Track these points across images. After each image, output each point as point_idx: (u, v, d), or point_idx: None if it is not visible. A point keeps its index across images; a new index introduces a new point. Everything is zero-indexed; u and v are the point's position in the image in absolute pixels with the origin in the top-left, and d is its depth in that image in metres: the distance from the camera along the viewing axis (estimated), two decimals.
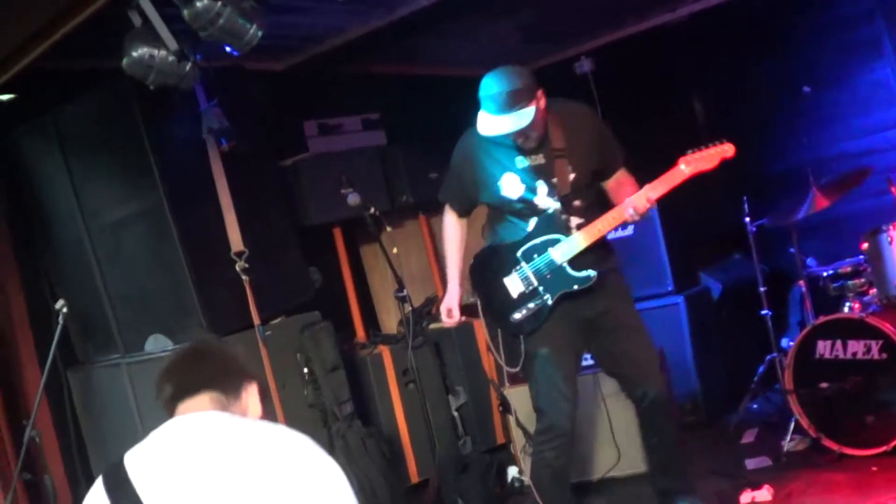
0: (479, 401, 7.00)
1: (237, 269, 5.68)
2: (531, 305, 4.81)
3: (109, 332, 6.07)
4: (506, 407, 6.36)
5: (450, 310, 5.17)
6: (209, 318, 5.66)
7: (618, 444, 6.04)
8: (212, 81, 5.36)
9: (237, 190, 5.78)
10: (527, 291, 4.83)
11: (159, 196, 5.61)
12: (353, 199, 5.76)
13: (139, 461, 2.48)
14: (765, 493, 5.35)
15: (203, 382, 2.63)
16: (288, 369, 5.92)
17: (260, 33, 4.65)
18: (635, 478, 5.99)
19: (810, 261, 6.46)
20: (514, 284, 4.87)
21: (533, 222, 4.84)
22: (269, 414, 5.54)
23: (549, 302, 4.79)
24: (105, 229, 5.96)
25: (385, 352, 6.62)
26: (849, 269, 6.15)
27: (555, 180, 4.78)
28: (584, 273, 4.76)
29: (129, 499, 2.40)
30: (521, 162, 4.79)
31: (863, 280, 6.04)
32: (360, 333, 6.92)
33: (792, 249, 6.30)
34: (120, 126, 5.74)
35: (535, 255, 4.81)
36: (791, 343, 5.97)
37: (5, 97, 6.17)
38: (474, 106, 4.71)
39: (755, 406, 6.77)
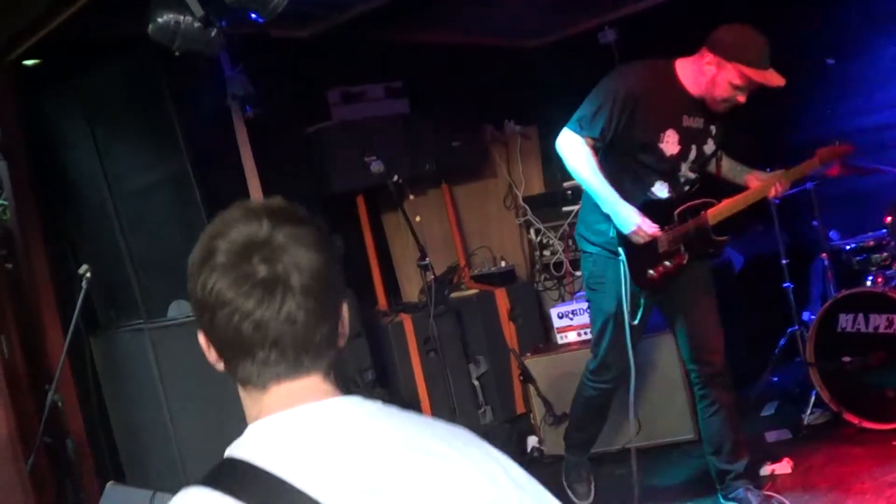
0: (499, 370, 7.01)
1: None
2: (667, 263, 4.77)
3: (132, 297, 6.11)
4: (527, 376, 6.37)
5: (639, 227, 4.65)
6: None
7: (639, 415, 6.04)
8: (237, 48, 5.35)
9: (261, 157, 5.81)
10: (671, 250, 4.78)
11: (184, 162, 5.63)
12: (377, 166, 5.76)
13: (276, 454, 1.67)
14: (784, 465, 5.36)
15: (314, 355, 1.75)
16: None
17: (286, 0, 4.64)
18: (655, 448, 6.02)
19: (833, 234, 6.43)
20: (662, 241, 4.76)
21: (667, 184, 4.81)
22: None
23: (685, 262, 4.78)
24: (129, 195, 6.00)
25: (406, 320, 6.62)
26: (872, 242, 6.11)
27: (704, 147, 4.82)
28: (721, 238, 4.82)
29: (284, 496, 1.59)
30: (687, 120, 4.74)
31: (886, 254, 6.00)
32: (382, 301, 6.91)
33: (815, 222, 6.27)
34: (145, 92, 5.76)
35: (689, 217, 4.79)
36: (813, 316, 5.96)
37: (31, 63, 6.18)
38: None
39: (776, 379, 6.75)
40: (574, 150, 4.67)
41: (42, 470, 5.76)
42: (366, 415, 1.81)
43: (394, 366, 6.55)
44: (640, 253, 4.72)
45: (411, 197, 6.46)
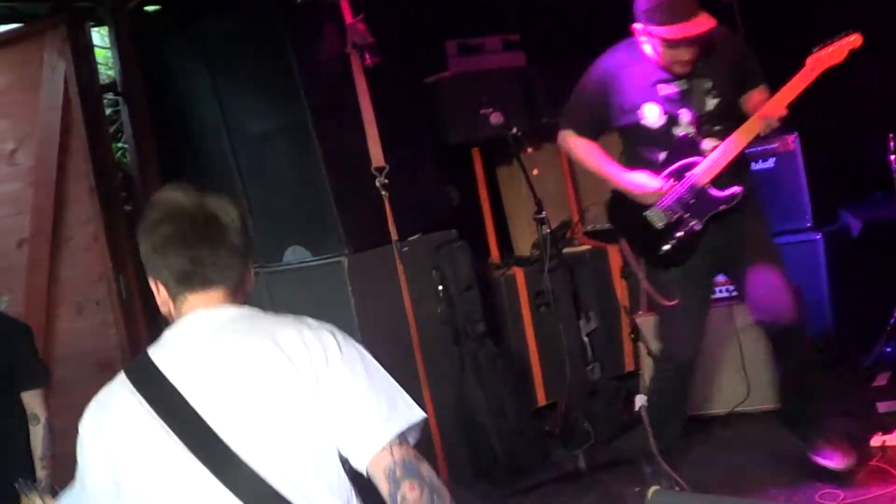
0: (609, 327, 6.97)
1: (377, 184, 5.73)
2: (679, 234, 4.71)
3: None
4: (637, 335, 6.34)
5: (656, 188, 4.70)
6: (348, 233, 5.77)
7: (748, 379, 5.98)
8: None
9: (379, 106, 5.81)
10: (672, 221, 4.72)
11: (303, 110, 5.71)
12: (496, 118, 5.72)
13: (166, 357, 2.36)
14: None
15: (224, 275, 2.41)
16: (423, 286, 5.97)
17: None
18: (765, 414, 5.95)
19: None
20: (657, 216, 4.75)
21: (666, 151, 4.74)
22: (402, 330, 5.71)
23: (698, 227, 4.69)
24: (248, 141, 6.09)
25: (519, 273, 6.62)
26: None
27: (696, 107, 4.68)
28: (728, 191, 4.68)
29: (164, 393, 2.29)
30: (664, 89, 4.68)
31: None
32: (495, 254, 6.92)
33: None
34: (265, 40, 5.83)
35: (674, 181, 4.70)
36: None
37: (152, 9, 6.28)
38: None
39: (889, 349, 6.62)
40: (571, 146, 4.96)
41: None
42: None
43: (504, 319, 6.57)
44: (642, 235, 4.79)
45: (529, 150, 6.43)
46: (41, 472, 4.10)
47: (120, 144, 6.87)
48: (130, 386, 2.33)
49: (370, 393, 2.32)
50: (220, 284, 2.42)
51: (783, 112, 4.52)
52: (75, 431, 6.20)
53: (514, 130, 5.86)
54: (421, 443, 5.74)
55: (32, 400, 4.21)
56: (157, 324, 6.02)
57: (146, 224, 2.44)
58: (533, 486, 5.85)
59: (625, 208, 4.87)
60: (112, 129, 6.76)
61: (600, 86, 4.82)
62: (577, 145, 4.91)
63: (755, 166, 5.55)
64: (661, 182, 4.65)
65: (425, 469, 2.27)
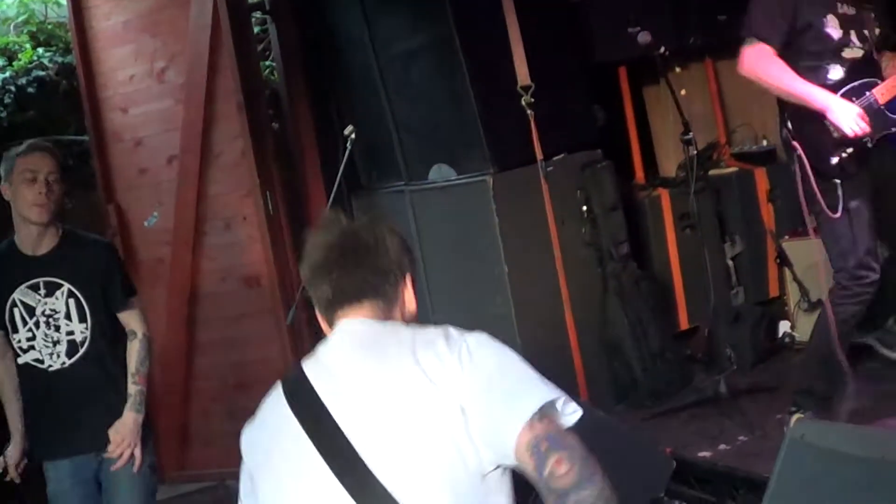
0: (755, 251, 6.90)
1: (522, 103, 5.71)
2: (849, 149, 4.61)
3: (394, 159, 6.27)
4: (783, 260, 6.26)
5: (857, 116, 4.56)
6: (493, 151, 5.78)
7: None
8: None
9: (526, 24, 5.78)
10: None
11: (449, 27, 5.72)
12: (644, 37, 5.63)
13: (318, 372, 2.44)
14: None
15: (364, 291, 2.48)
16: (567, 206, 5.97)
17: None
18: None
19: None
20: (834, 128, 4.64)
21: (842, 67, 4.64)
22: (545, 250, 5.72)
23: (869, 144, 4.60)
24: (394, 59, 6.11)
25: (664, 195, 6.58)
26: None
27: (866, 32, 4.67)
28: None
29: (314, 409, 2.36)
30: (841, 7, 4.64)
31: None
32: (640, 175, 6.86)
33: None
34: None
35: (854, 98, 4.60)
36: None
37: None
38: None
39: None
40: (764, 64, 4.63)
41: (301, 323, 6.00)
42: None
43: (648, 241, 6.56)
44: (816, 143, 4.64)
45: (677, 70, 6.35)
46: (132, 388, 4.07)
47: (268, 63, 6.95)
48: (285, 400, 2.42)
49: (502, 382, 2.29)
50: (363, 301, 2.48)
51: None
52: (219, 345, 6.27)
53: (662, 50, 5.78)
54: (562, 365, 5.78)
55: (128, 318, 4.23)
56: (301, 239, 6.12)
57: (303, 254, 2.58)
58: (672, 409, 5.85)
59: (805, 114, 4.74)
60: (260, 47, 6.83)
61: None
62: (771, 64, 4.64)
63: None
64: (859, 108, 4.56)
65: (573, 441, 2.18)
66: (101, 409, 4.11)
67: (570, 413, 2.28)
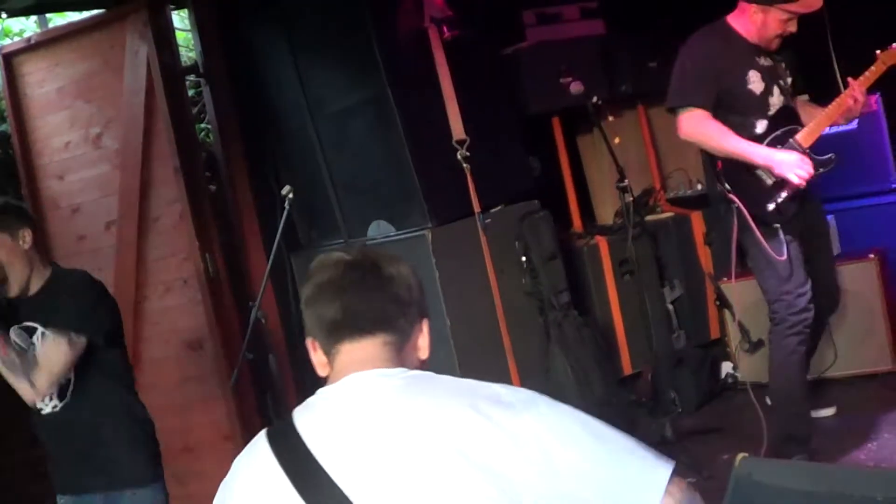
0: (694, 294, 7.00)
1: (458, 157, 5.77)
2: (784, 193, 4.88)
3: (333, 217, 6.32)
4: (723, 302, 6.35)
5: (799, 163, 4.85)
6: (430, 206, 5.83)
7: (835, 345, 5.99)
8: None
9: (459, 78, 5.87)
10: (779, 180, 4.88)
11: (383, 84, 5.77)
12: (576, 87, 5.79)
13: (312, 424, 2.12)
14: None
15: (379, 321, 2.18)
16: (507, 257, 6.02)
17: None
18: (854, 378, 5.97)
19: None
20: (766, 174, 4.92)
21: (765, 119, 4.97)
22: (486, 301, 5.78)
23: (802, 186, 4.85)
24: (330, 118, 6.17)
25: (602, 242, 6.65)
26: None
27: (781, 81, 5.05)
28: (825, 156, 4.93)
29: (304, 464, 2.05)
30: (761, 60, 5.00)
31: None
32: (577, 223, 6.95)
33: None
34: (344, 15, 5.93)
35: (779, 146, 4.90)
36: None
37: None
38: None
39: None
40: (703, 127, 4.94)
41: (245, 384, 6.10)
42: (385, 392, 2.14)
43: (588, 288, 6.60)
44: (751, 193, 4.93)
45: (610, 118, 6.48)
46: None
47: (203, 125, 7.00)
48: (269, 451, 2.12)
49: (616, 456, 2.06)
50: (376, 334, 2.18)
51: (862, 97, 4.95)
52: (164, 410, 6.26)
53: (595, 99, 5.94)
54: None
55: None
56: (243, 301, 6.19)
57: (308, 275, 2.27)
58: None
59: (738, 167, 4.93)
60: (195, 110, 6.88)
61: (709, 56, 5.03)
62: (709, 126, 4.93)
63: (835, 129, 5.63)
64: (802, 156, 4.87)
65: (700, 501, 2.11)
66: (100, 450, 4.09)
67: None
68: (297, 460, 2.06)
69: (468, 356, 5.78)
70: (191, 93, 6.84)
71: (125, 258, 6.33)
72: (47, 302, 4.00)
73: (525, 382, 5.90)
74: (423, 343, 2.28)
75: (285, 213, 5.61)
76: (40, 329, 3.94)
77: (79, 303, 4.00)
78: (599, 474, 2.00)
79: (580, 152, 7.38)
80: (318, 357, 2.24)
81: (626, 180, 5.89)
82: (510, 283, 6.03)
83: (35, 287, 4.03)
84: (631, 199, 5.98)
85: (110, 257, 6.37)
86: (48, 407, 4.03)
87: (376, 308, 2.18)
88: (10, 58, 6.65)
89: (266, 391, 6.23)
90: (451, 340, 5.75)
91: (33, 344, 3.95)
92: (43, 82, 6.59)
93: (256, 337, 5.71)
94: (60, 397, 4.03)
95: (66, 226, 6.55)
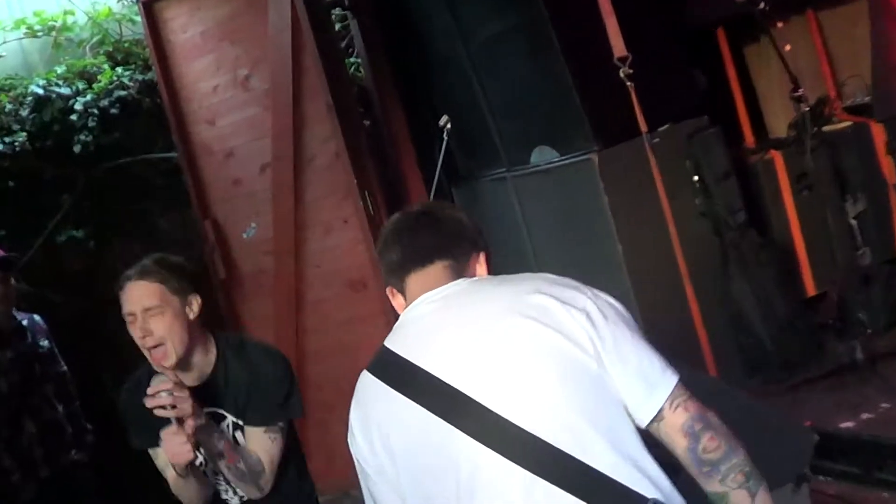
0: (878, 208, 6.79)
1: (621, 75, 5.71)
2: None
3: (493, 145, 6.35)
4: None
5: None
6: (595, 128, 5.80)
7: None
8: None
9: None
10: None
11: (538, 6, 5.74)
12: None
13: (404, 342, 2.50)
14: None
15: (434, 249, 2.59)
16: (678, 178, 5.98)
17: None
18: None
19: None
20: None
21: None
22: (659, 225, 5.80)
23: None
24: (483, 44, 6.18)
25: (777, 157, 6.53)
26: None
27: None
28: None
29: (408, 373, 2.41)
30: None
31: None
32: (749, 138, 6.87)
33: None
34: None
35: None
36: None
37: None
38: None
39: None
40: None
41: None
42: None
43: (765, 206, 6.50)
44: None
45: (778, 24, 6.32)
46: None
47: (352, 60, 7.06)
48: (373, 377, 2.49)
49: (643, 352, 2.38)
50: (434, 261, 2.58)
51: None
52: (330, 351, 6.33)
53: (762, 5, 5.80)
54: (688, 342, 5.79)
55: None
56: None
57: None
58: (808, 380, 5.87)
59: None
60: (342, 44, 6.95)
61: None
62: None
63: None
64: None
65: (714, 417, 2.35)
66: None
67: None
68: (397, 373, 2.43)
69: (642, 282, 5.79)
70: (337, 27, 6.93)
71: (282, 200, 6.48)
72: (231, 387, 3.66)
73: (703, 307, 5.94)
74: (481, 271, 2.66)
75: (444, 144, 5.69)
76: (230, 418, 3.67)
77: (280, 392, 3.68)
78: (630, 356, 2.36)
79: (748, 63, 7.22)
80: (396, 300, 2.66)
81: (801, 89, 5.76)
82: (683, 205, 5.99)
83: (203, 366, 3.66)
84: (807, 108, 5.85)
85: (267, 200, 6.55)
86: (235, 498, 3.80)
87: (429, 241, 2.59)
88: (150, 5, 6.82)
89: None
90: (623, 266, 5.77)
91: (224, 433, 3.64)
92: (186, 27, 6.74)
93: None
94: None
95: (221, 171, 6.74)
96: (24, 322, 5.42)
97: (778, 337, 6.01)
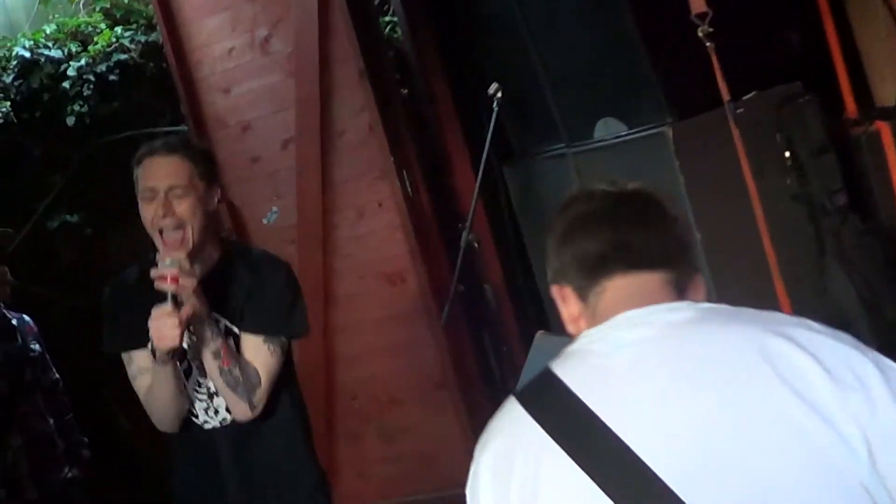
0: None
1: (699, 34, 5.27)
2: None
3: (550, 118, 6.05)
4: None
5: None
6: (669, 97, 5.50)
7: None
8: None
9: None
10: None
11: None
12: None
13: (579, 374, 1.92)
14: None
15: (661, 256, 2.01)
16: (766, 154, 5.58)
17: None
18: None
19: None
20: None
21: None
22: (743, 208, 5.38)
23: None
24: (541, 2, 5.90)
25: (884, 128, 6.07)
26: None
27: None
28: None
29: (577, 422, 1.83)
30: None
31: None
32: (851, 107, 6.38)
33: None
34: None
35: None
36: None
37: None
38: None
39: None
40: None
41: (457, 321, 5.99)
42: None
43: (870, 186, 6.10)
44: None
45: None
46: None
47: (388, 19, 6.92)
48: (532, 420, 1.89)
49: None
50: (655, 270, 2.00)
51: None
52: (363, 355, 6.28)
53: None
54: None
55: None
56: (450, 224, 6.17)
57: (555, 216, 2.12)
58: None
59: None
60: (377, 1, 6.83)
61: None
62: None
63: None
64: None
65: None
66: (275, 465, 3.90)
67: None
68: (573, 428, 1.83)
69: (724, 275, 5.40)
70: None
71: (308, 181, 6.34)
72: (231, 290, 3.70)
73: (796, 305, 5.52)
74: (699, 287, 2.07)
75: (493, 116, 5.55)
76: (224, 322, 3.66)
77: (283, 301, 3.76)
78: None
79: (850, 20, 6.77)
80: (569, 308, 2.07)
81: None
82: (771, 185, 5.58)
83: (206, 264, 3.68)
84: None
85: (290, 180, 6.43)
86: (215, 420, 3.75)
87: (658, 243, 2.01)
88: None
89: (482, 329, 6.18)
90: (703, 256, 5.35)
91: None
92: None
93: (468, 265, 5.71)
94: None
95: (237, 146, 6.61)
96: (14, 322, 5.24)
97: (887, 340, 5.55)
